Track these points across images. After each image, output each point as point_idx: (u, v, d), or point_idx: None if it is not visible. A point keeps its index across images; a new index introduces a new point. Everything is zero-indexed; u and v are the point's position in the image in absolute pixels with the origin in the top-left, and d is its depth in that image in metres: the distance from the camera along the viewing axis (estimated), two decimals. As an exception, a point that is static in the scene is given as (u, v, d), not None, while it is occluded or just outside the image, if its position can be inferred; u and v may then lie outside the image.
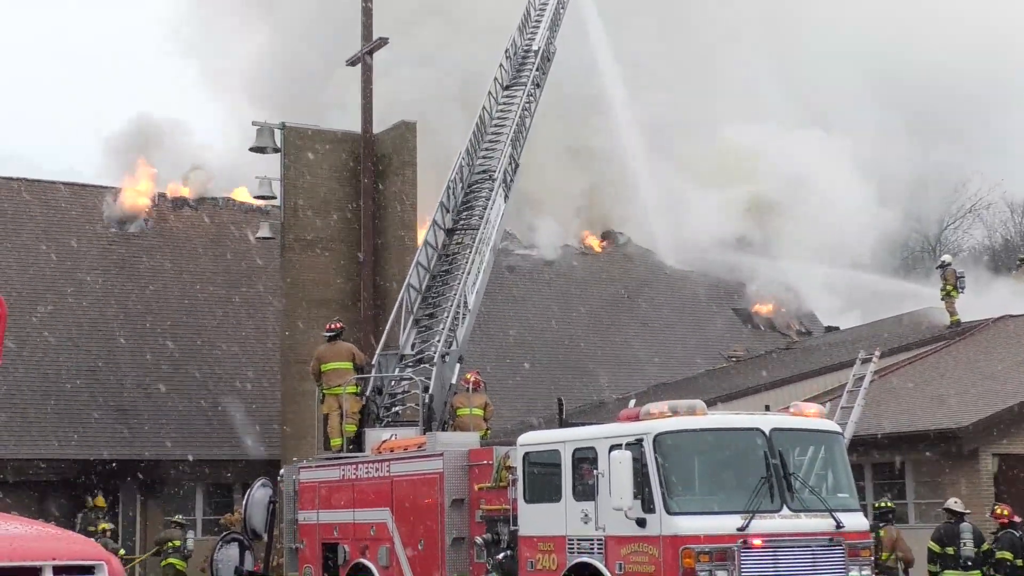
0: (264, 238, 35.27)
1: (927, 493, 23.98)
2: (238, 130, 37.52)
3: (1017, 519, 20.17)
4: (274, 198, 31.98)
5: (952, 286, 33.11)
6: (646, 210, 42.32)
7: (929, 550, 20.22)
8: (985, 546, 20.00)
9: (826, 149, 45.83)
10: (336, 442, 21.52)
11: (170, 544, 26.52)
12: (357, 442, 21.45)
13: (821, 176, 45.18)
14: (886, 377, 28.30)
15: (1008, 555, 19.58)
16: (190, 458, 31.33)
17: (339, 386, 21.52)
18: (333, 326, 22.77)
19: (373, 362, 22.33)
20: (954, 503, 20.30)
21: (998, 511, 20.41)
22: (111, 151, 39.97)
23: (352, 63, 30.01)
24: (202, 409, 32.76)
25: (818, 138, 45.99)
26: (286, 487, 21.82)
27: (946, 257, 35.14)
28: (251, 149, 30.77)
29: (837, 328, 41.58)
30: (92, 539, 8.90)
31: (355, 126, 29.94)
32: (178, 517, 28.04)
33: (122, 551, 27.16)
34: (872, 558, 16.15)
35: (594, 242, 44.63)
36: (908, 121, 52.63)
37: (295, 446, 27.22)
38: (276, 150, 30.05)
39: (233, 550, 21.57)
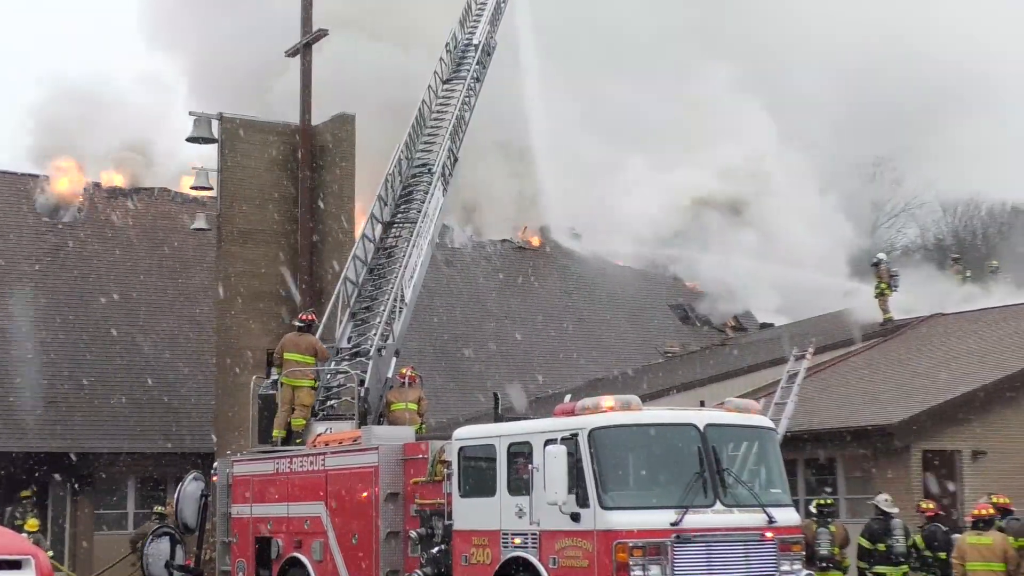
0: (200, 229, 35.00)
1: (858, 489, 24.21)
2: (176, 120, 37.26)
3: (942, 513, 20.44)
4: (211, 189, 31.72)
5: (886, 284, 33.44)
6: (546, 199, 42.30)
7: (859, 546, 20.44)
8: (910, 541, 20.25)
9: (767, 144, 46.25)
10: (278, 433, 21.39)
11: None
12: (294, 436, 21.36)
13: (761, 171, 45.58)
14: (819, 374, 28.57)
15: (921, 542, 19.86)
16: (123, 451, 31.04)
17: (296, 378, 21.40)
18: (305, 317, 22.70)
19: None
20: (884, 501, 20.52)
21: (923, 505, 20.67)
22: (43, 134, 39.44)
23: (291, 54, 29.84)
24: (135, 401, 32.45)
25: (759, 133, 46.36)
26: (219, 480, 21.70)
27: (880, 255, 35.46)
28: (188, 139, 30.51)
29: (772, 325, 41.91)
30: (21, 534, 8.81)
31: (295, 118, 29.78)
32: (159, 509, 27.06)
33: (50, 552, 26.73)
34: (803, 553, 16.29)
35: (532, 238, 44.69)
36: (844, 117, 53.16)
37: (229, 439, 27.03)
38: (213, 140, 29.82)
39: (164, 544, 21.34)
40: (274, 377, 21.97)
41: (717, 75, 47.13)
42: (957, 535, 19.83)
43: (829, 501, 20.80)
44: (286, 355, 21.72)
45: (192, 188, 33.85)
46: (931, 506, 20.28)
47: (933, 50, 54.92)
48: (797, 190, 46.48)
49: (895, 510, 20.45)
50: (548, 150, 40.80)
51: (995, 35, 57.49)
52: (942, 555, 19.71)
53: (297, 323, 22.59)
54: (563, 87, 42.18)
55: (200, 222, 34.83)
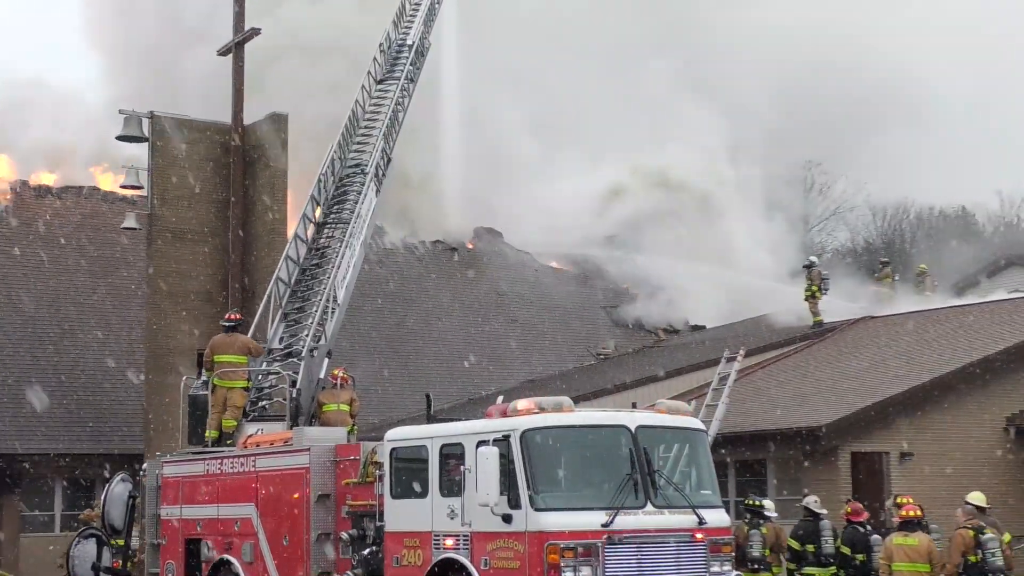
0: (130, 228, 34.63)
1: (788, 490, 24.42)
2: (107, 118, 36.81)
3: (865, 515, 20.63)
4: (141, 188, 31.42)
5: (816, 287, 33.73)
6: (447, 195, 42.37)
7: (789, 547, 20.59)
8: (839, 542, 20.43)
9: (703, 148, 46.57)
10: (211, 434, 21.23)
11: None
12: (225, 437, 21.20)
13: (693, 173, 45.89)
14: (750, 376, 28.78)
15: (847, 549, 20.05)
16: (50, 452, 30.64)
17: (230, 379, 21.23)
18: (232, 317, 22.52)
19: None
20: (812, 502, 20.68)
21: (848, 508, 20.87)
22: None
23: (223, 53, 29.63)
24: (63, 402, 32.07)
25: (694, 135, 46.67)
26: (148, 482, 21.48)
27: (811, 258, 35.78)
28: (118, 138, 30.21)
29: (703, 327, 42.17)
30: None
31: (227, 117, 29.57)
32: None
33: None
34: (733, 554, 16.41)
35: (466, 238, 44.66)
36: (777, 122, 53.61)
37: (159, 440, 26.80)
38: (144, 139, 29.53)
39: (90, 546, 21.09)
40: (204, 379, 21.78)
41: (657, 76, 47.46)
42: (876, 536, 20.04)
43: (758, 502, 20.92)
44: (217, 357, 21.54)
45: (122, 187, 33.51)
46: (849, 509, 20.50)
47: (866, 60, 55.68)
48: (730, 193, 46.85)
49: (824, 511, 20.63)
50: (460, 149, 40.88)
51: (926, 47, 58.35)
52: (860, 557, 19.90)
53: (224, 323, 22.42)
54: (492, 86, 42.29)
55: (130, 221, 34.43)
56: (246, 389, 21.44)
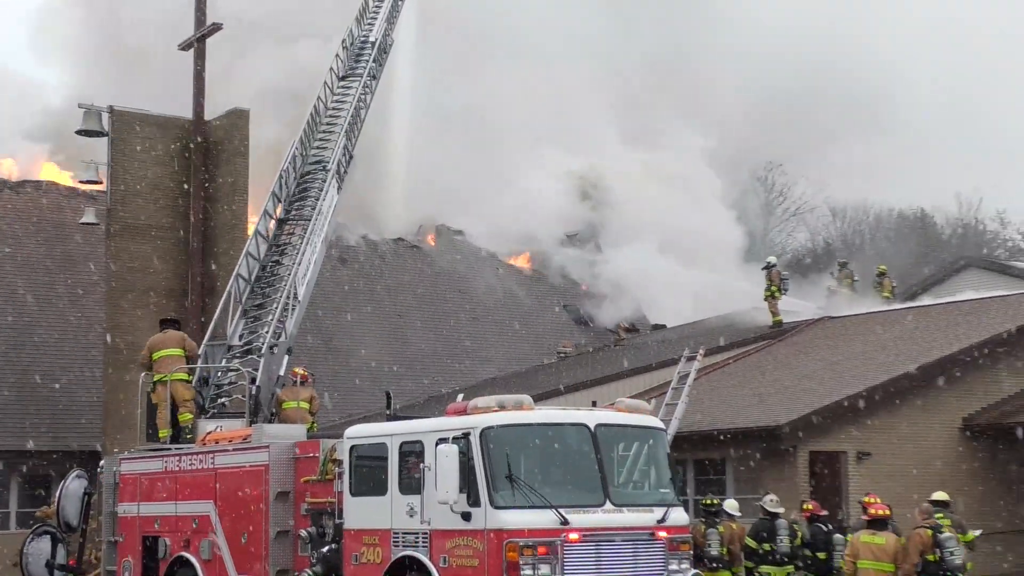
0: (89, 223, 34.36)
1: (747, 489, 24.53)
2: (66, 111, 36.51)
3: (823, 513, 20.76)
4: (100, 183, 31.18)
5: (776, 287, 33.88)
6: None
7: (746, 546, 20.70)
8: (798, 541, 20.55)
9: (665, 147, 46.71)
10: (163, 433, 21.11)
11: None
12: (183, 433, 21.10)
13: (657, 172, 46.03)
14: (709, 375, 28.90)
15: (807, 549, 20.17)
16: (6, 448, 30.38)
17: (169, 371, 21.13)
18: (168, 316, 22.49)
19: (199, 351, 22.00)
20: (770, 501, 20.79)
21: (806, 506, 20.99)
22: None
23: (184, 48, 29.46)
24: (20, 398, 31.82)
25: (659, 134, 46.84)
26: (106, 479, 21.35)
27: (771, 258, 35.91)
28: (77, 132, 29.95)
29: (664, 327, 42.29)
30: None
31: (189, 112, 29.40)
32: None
33: None
34: (691, 552, 16.48)
35: (427, 236, 44.64)
36: (742, 124, 53.92)
37: (117, 437, 26.63)
38: (103, 134, 29.32)
39: (45, 543, 20.92)
40: (152, 378, 21.65)
41: (620, 75, 47.61)
42: (839, 535, 20.17)
43: (715, 501, 21.02)
44: (155, 355, 21.46)
45: (81, 182, 33.25)
46: (810, 507, 20.61)
47: (828, 63, 56.02)
48: (693, 193, 46.99)
49: (781, 510, 20.74)
50: (407, 149, 40.88)
51: (888, 51, 58.83)
52: (821, 555, 20.02)
53: (161, 320, 22.53)
54: (452, 88, 42.28)
55: (89, 216, 34.15)
56: (188, 382, 21.33)
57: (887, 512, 18.50)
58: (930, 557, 18.17)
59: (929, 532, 18.25)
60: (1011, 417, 25.74)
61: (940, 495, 20.09)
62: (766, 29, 54.76)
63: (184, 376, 21.30)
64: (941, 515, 19.63)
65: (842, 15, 57.52)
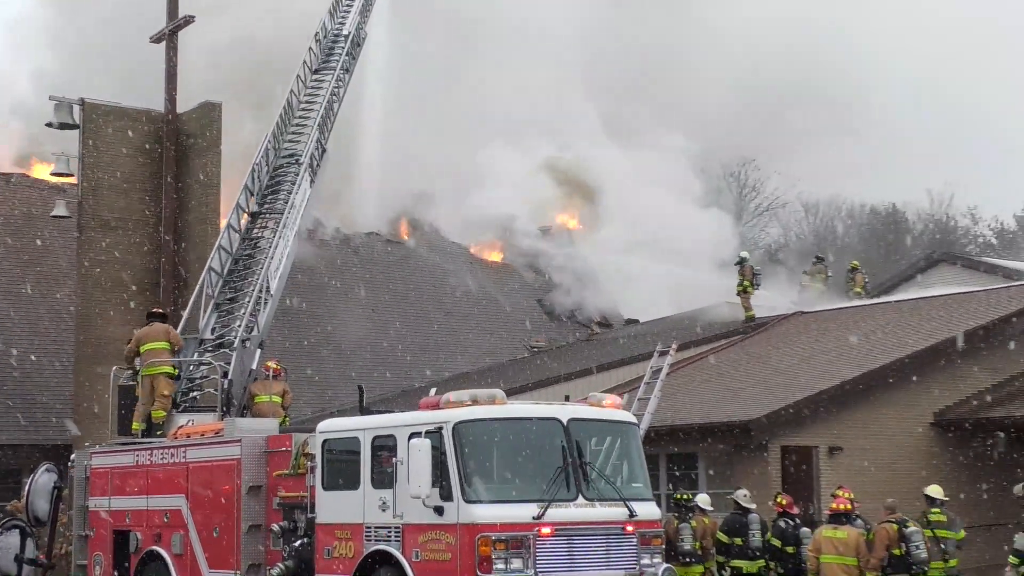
0: (60, 216, 34.18)
1: (719, 483, 24.58)
2: (37, 104, 36.29)
3: (794, 509, 20.83)
4: (72, 176, 31.03)
5: (749, 282, 33.95)
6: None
7: (718, 540, 20.75)
8: (767, 535, 20.62)
9: (638, 143, 46.76)
10: (136, 426, 21.02)
11: None
12: (157, 427, 20.99)
13: (631, 166, 46.06)
14: (682, 370, 28.94)
15: (777, 542, 20.25)
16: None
17: (155, 366, 21.03)
18: (155, 309, 22.35)
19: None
20: (742, 496, 20.85)
21: (780, 500, 21.06)
22: None
23: (156, 40, 29.33)
24: (-10, 391, 31.66)
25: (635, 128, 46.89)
26: (77, 473, 21.24)
27: (743, 253, 36.00)
28: (48, 124, 29.80)
29: (637, 321, 42.35)
30: None
31: (160, 105, 29.27)
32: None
33: None
34: (663, 546, 16.52)
35: (401, 230, 44.58)
36: (717, 119, 54.01)
37: (89, 431, 26.50)
38: (75, 127, 29.16)
39: (14, 537, 20.70)
40: (136, 369, 21.54)
41: (596, 71, 47.63)
42: (806, 529, 20.24)
43: (688, 496, 21.06)
44: (143, 347, 21.33)
45: (52, 175, 33.08)
46: (783, 502, 20.71)
47: (800, 58, 56.20)
48: (666, 187, 47.02)
49: (753, 505, 20.81)
50: (380, 142, 40.82)
51: (859, 47, 59.04)
52: (789, 549, 20.10)
53: (150, 312, 22.42)
54: (426, 77, 42.22)
55: (60, 209, 34.02)
56: (173, 377, 21.24)
57: (848, 507, 18.61)
58: (896, 551, 18.31)
59: (895, 527, 18.38)
60: (982, 412, 25.85)
61: (934, 490, 20.16)
62: (738, 27, 54.87)
63: (170, 369, 21.19)
64: (937, 511, 19.77)
65: (815, 13, 57.70)
